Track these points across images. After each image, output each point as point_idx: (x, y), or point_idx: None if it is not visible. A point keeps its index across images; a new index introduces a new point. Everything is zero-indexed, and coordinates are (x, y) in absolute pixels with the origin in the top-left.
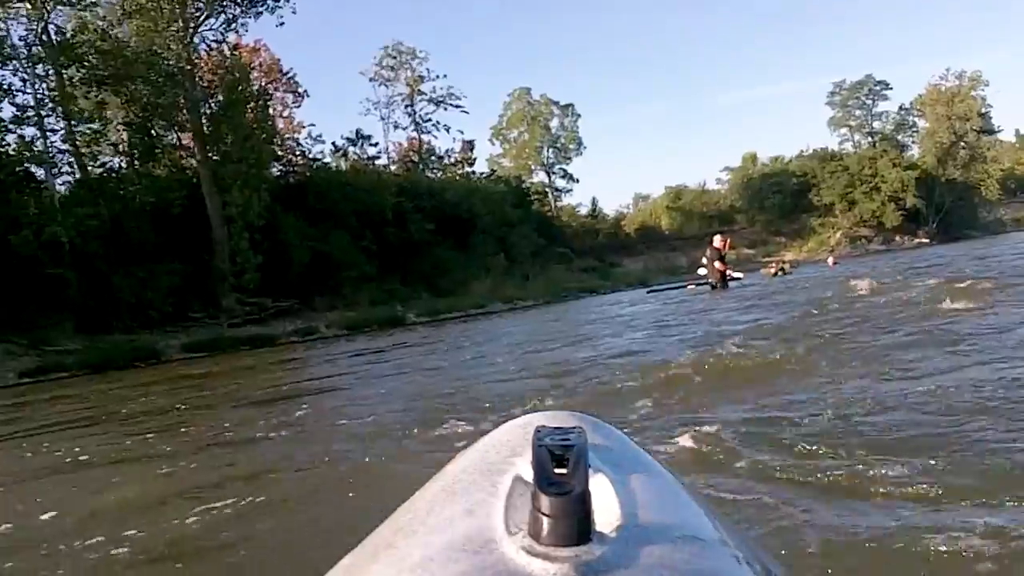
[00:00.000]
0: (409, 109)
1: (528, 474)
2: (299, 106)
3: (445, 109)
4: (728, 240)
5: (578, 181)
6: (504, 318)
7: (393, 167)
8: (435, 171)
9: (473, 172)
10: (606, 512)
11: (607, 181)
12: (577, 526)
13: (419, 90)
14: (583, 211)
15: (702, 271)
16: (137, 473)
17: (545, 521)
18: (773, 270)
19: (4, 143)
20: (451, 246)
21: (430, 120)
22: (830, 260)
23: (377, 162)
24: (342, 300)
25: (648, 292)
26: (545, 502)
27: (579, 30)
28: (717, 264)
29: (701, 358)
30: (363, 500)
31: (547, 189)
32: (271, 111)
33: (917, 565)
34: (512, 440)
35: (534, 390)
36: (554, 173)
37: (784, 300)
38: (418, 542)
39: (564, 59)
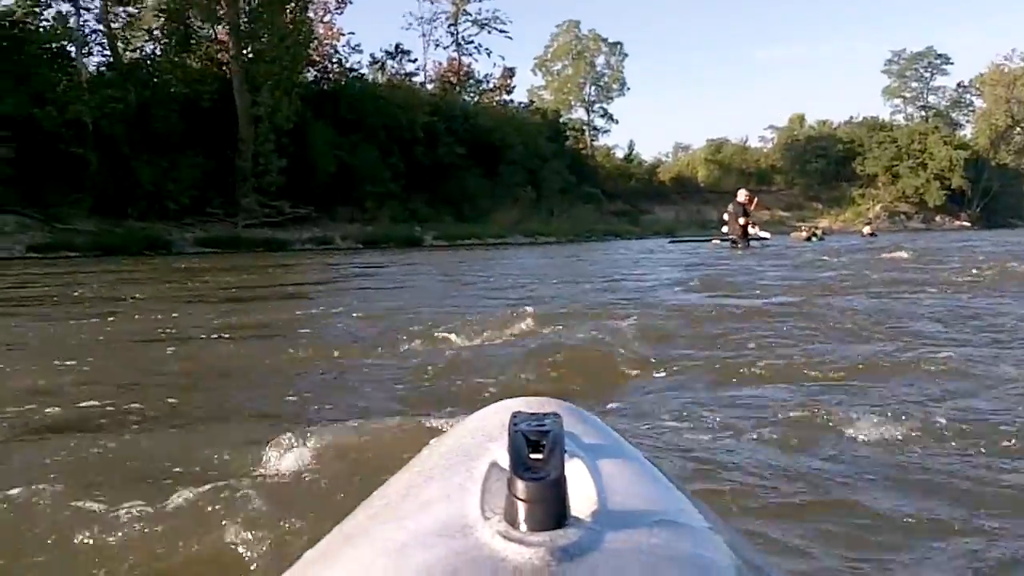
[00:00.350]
0: (452, 28)
1: (504, 459)
2: (341, 12)
3: (489, 32)
4: (754, 197)
5: (617, 122)
6: (522, 251)
7: (430, 86)
8: (472, 95)
9: (511, 101)
10: (582, 497)
11: (647, 127)
12: (553, 511)
13: (464, 9)
14: (619, 154)
15: (725, 228)
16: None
17: (521, 506)
18: (805, 234)
19: (40, 17)
20: (480, 173)
21: (472, 42)
22: (866, 229)
23: (414, 79)
24: (363, 214)
25: (670, 242)
26: (521, 487)
27: None
28: (741, 220)
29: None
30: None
31: (584, 127)
32: (311, 14)
33: None
34: (488, 426)
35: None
36: (594, 111)
37: (811, 261)
38: (394, 527)
39: None
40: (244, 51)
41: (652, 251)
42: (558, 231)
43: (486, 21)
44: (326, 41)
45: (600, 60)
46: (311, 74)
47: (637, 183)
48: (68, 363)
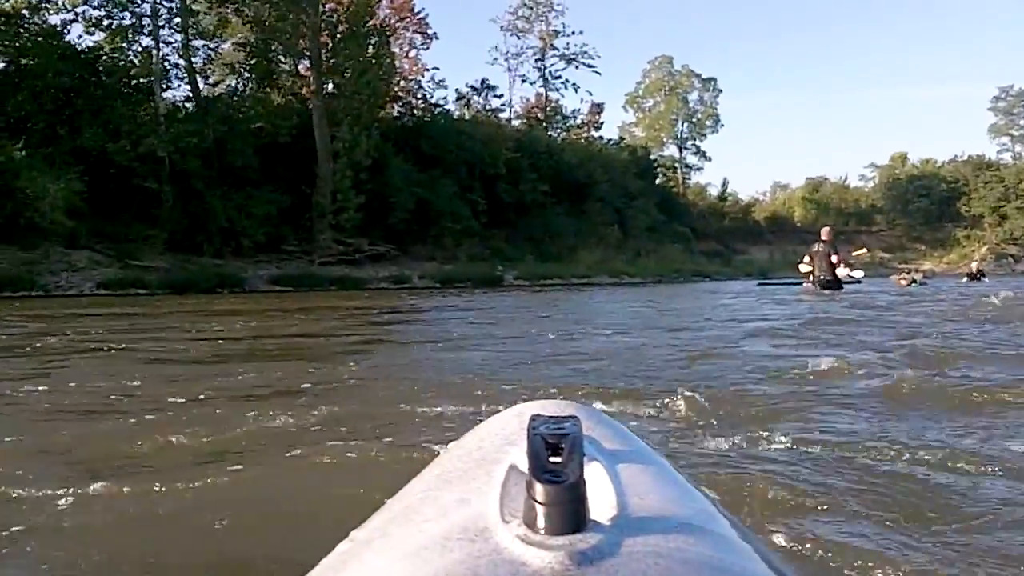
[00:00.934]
0: (539, 63)
1: (523, 463)
2: (427, 48)
3: (576, 67)
4: (829, 233)
5: (711, 159)
6: (606, 292)
7: (516, 121)
8: (559, 131)
9: (599, 137)
10: (601, 501)
11: (744, 165)
12: (572, 514)
13: (552, 44)
14: (713, 192)
15: (803, 267)
16: None
17: (540, 509)
18: (906, 280)
19: (122, 50)
20: (565, 211)
21: (560, 77)
22: (974, 266)
23: (500, 115)
24: (441, 252)
25: (758, 284)
26: (540, 490)
27: (728, 3)
28: (833, 258)
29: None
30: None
31: (676, 164)
32: (396, 50)
33: None
34: (507, 429)
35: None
36: (686, 148)
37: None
38: (413, 530)
39: (710, 31)
40: (325, 85)
41: (738, 294)
42: (644, 271)
43: (574, 56)
44: (410, 76)
45: (693, 96)
46: (394, 110)
47: (731, 222)
48: None
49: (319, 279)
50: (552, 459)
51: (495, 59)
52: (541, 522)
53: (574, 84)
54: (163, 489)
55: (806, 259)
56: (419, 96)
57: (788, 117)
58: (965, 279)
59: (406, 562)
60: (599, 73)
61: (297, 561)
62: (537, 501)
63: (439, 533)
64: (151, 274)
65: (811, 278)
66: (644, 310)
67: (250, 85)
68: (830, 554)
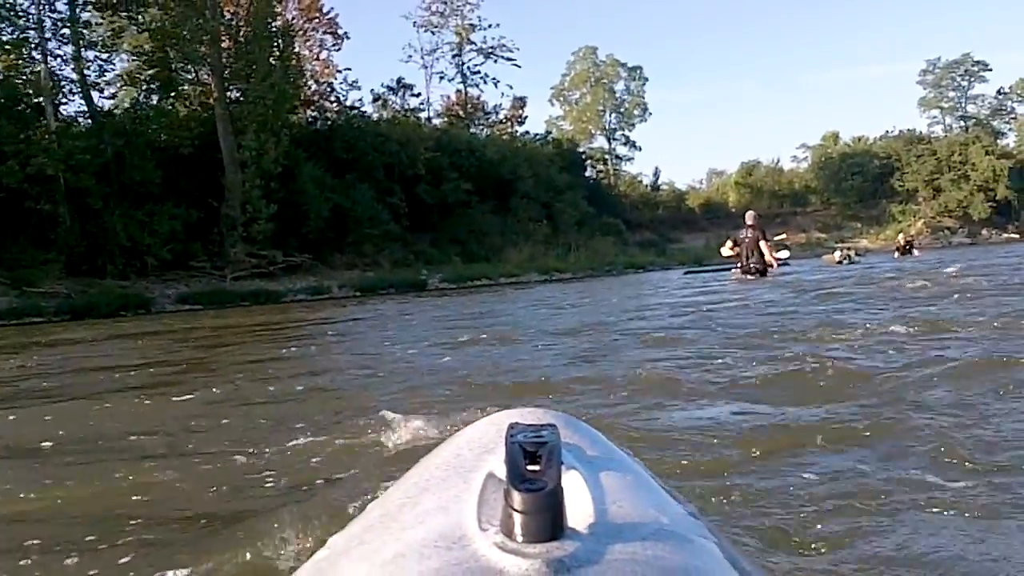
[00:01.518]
0: (456, 59)
1: (501, 471)
2: (339, 49)
3: (495, 61)
4: (755, 218)
5: (640, 149)
6: (532, 290)
7: (436, 120)
8: (481, 127)
9: (526, 132)
10: (579, 508)
11: (678, 157)
12: (549, 522)
13: (468, 39)
14: (645, 182)
15: (725, 250)
16: None
17: (517, 517)
18: (838, 257)
19: (11, 66)
20: (490, 209)
21: (478, 72)
22: (901, 238)
23: (420, 115)
24: (362, 259)
25: (685, 274)
26: (517, 498)
27: None
28: (762, 244)
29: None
30: None
31: (607, 156)
32: (306, 51)
33: None
34: (485, 437)
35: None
36: (615, 139)
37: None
38: (391, 538)
39: (633, 21)
40: (228, 92)
41: (659, 287)
42: (575, 266)
43: (492, 50)
44: (322, 79)
45: (620, 86)
46: (308, 115)
47: (665, 211)
48: None
49: (231, 295)
50: (530, 467)
51: (409, 56)
52: (519, 530)
53: (494, 79)
54: None
55: (728, 244)
56: (332, 99)
57: (721, 106)
58: (896, 254)
59: (384, 569)
60: (519, 66)
61: None
62: (515, 509)
63: (417, 541)
64: (49, 300)
65: (739, 265)
66: (559, 309)
67: (152, 96)
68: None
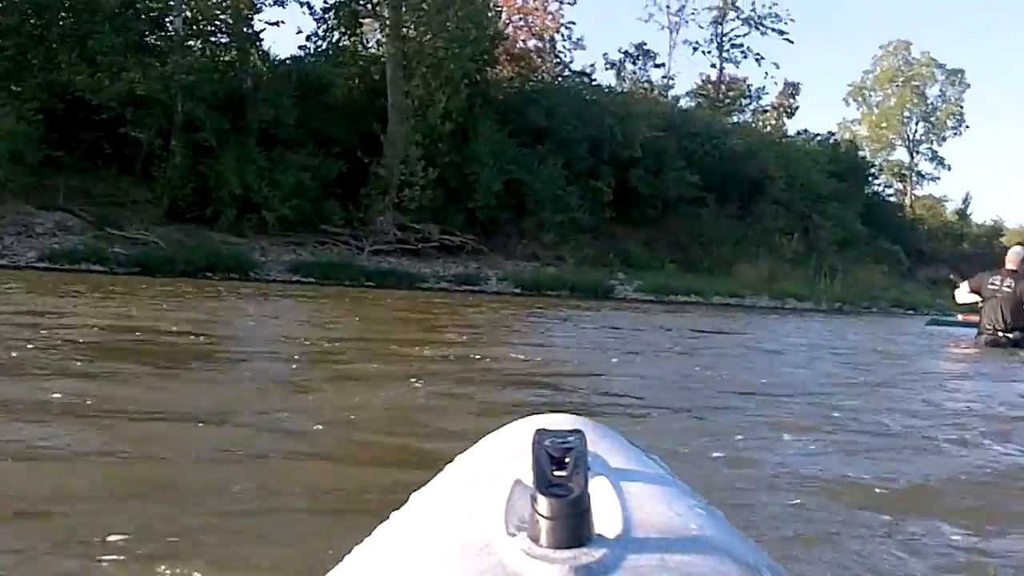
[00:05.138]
0: (715, 27)
1: (527, 477)
2: (574, 2)
3: (763, 33)
4: None
5: (950, 168)
6: (757, 319)
7: (684, 101)
8: (733, 113)
9: (804, 131)
10: (606, 515)
11: (1006, 186)
12: (576, 528)
13: (734, 4)
14: (951, 209)
15: (961, 295)
16: None
17: (544, 523)
18: None
19: None
20: (727, 212)
21: (741, 45)
22: None
23: (669, 93)
24: (544, 250)
25: (928, 324)
26: (544, 504)
27: None
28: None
29: None
30: None
31: (905, 172)
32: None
33: None
34: (512, 443)
35: None
36: (919, 152)
37: None
38: (417, 545)
39: (957, 9)
40: (403, 28)
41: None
42: (824, 294)
43: (760, 20)
44: (544, 34)
45: (933, 90)
46: (514, 72)
47: (971, 246)
48: None
49: (357, 271)
50: (556, 473)
51: (651, 15)
52: (545, 536)
53: (757, 54)
54: None
55: (965, 287)
56: (554, 60)
57: None
58: None
59: None
60: (791, 41)
61: None
62: (541, 515)
63: (443, 547)
64: (130, 247)
65: (982, 327)
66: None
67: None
68: None
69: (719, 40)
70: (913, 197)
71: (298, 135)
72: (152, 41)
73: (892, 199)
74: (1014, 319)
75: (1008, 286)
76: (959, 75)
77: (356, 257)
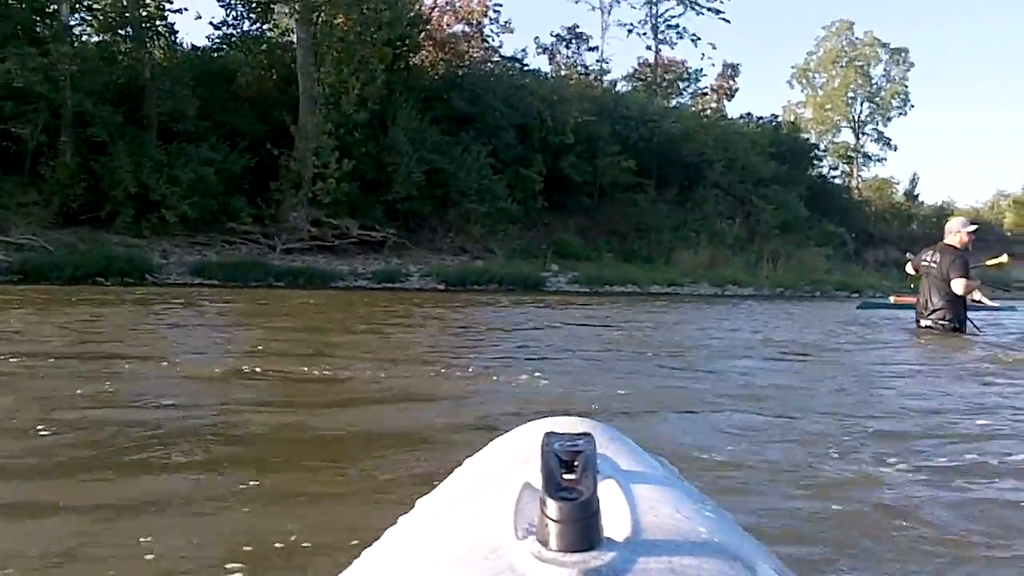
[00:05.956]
0: (649, 7)
1: (537, 480)
2: None
3: (698, 14)
4: (971, 228)
5: (895, 149)
6: (683, 308)
7: (622, 86)
8: (671, 97)
9: (748, 115)
10: (615, 518)
11: (956, 172)
12: (585, 532)
13: None
14: (900, 190)
15: (911, 268)
16: None
17: (553, 527)
18: None
19: None
20: (663, 197)
21: (676, 27)
22: None
23: (606, 77)
24: (473, 243)
25: (859, 307)
26: (553, 508)
27: None
28: (953, 277)
29: None
30: None
31: (851, 154)
32: None
33: None
34: (521, 446)
35: None
36: (865, 134)
37: None
38: (427, 548)
39: None
40: (319, 11)
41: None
42: (767, 280)
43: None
44: (471, 18)
45: (877, 70)
46: (436, 59)
47: (919, 227)
48: None
49: (267, 271)
50: (566, 476)
51: None
52: (554, 539)
53: (693, 35)
54: None
55: (909, 267)
56: (483, 46)
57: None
58: None
59: None
60: (728, 20)
61: None
62: (550, 518)
63: (453, 550)
64: (13, 253)
65: (917, 309)
66: None
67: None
68: None
69: (654, 21)
70: (860, 179)
71: (202, 128)
72: (37, 30)
73: (838, 181)
74: (940, 299)
75: (935, 261)
76: (903, 54)
77: (268, 256)
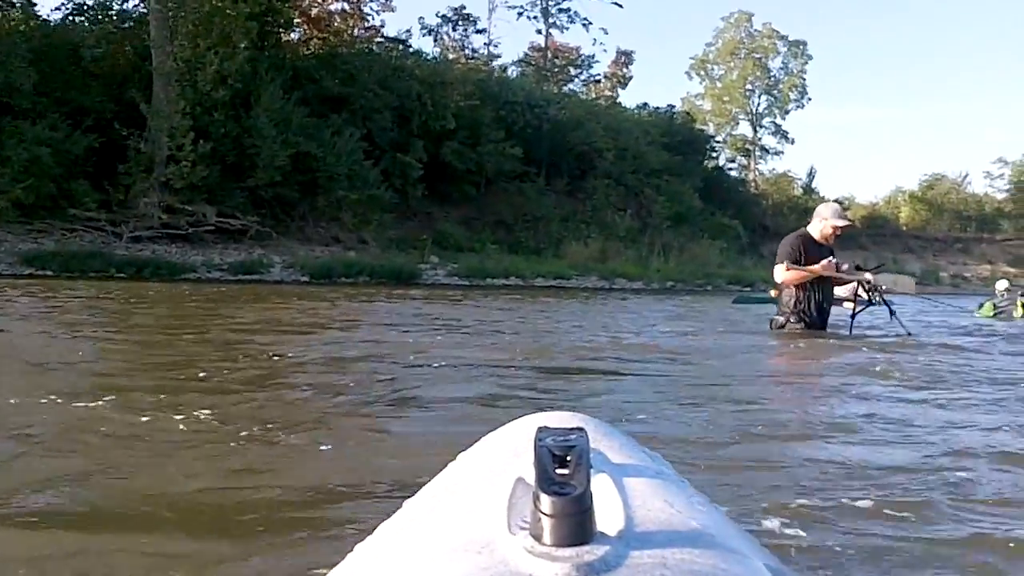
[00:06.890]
0: None
1: (530, 475)
2: None
3: None
4: (841, 223)
5: (793, 142)
6: (564, 305)
7: (511, 70)
8: (561, 83)
9: (644, 106)
10: (608, 512)
11: (854, 167)
12: (578, 526)
13: None
14: (799, 184)
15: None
16: None
17: (546, 521)
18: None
19: None
20: (552, 187)
21: (567, 10)
22: None
23: (496, 61)
24: (346, 233)
25: (735, 302)
26: (546, 502)
27: None
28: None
29: None
30: None
31: (749, 147)
32: None
33: None
34: (514, 441)
35: None
36: (762, 127)
37: None
38: (420, 543)
39: None
40: None
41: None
42: (657, 273)
43: None
44: None
45: (776, 62)
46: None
47: None
48: None
49: (108, 261)
50: (559, 471)
51: None
52: (548, 534)
53: (584, 20)
54: None
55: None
56: (360, 24)
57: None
58: None
59: (412, 574)
60: (620, 5)
61: None
62: (543, 513)
63: (445, 545)
64: None
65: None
66: None
67: None
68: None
69: (544, 4)
70: (757, 172)
71: (41, 104)
72: None
73: (734, 174)
74: (820, 293)
75: (796, 246)
76: (801, 47)
77: (113, 245)
